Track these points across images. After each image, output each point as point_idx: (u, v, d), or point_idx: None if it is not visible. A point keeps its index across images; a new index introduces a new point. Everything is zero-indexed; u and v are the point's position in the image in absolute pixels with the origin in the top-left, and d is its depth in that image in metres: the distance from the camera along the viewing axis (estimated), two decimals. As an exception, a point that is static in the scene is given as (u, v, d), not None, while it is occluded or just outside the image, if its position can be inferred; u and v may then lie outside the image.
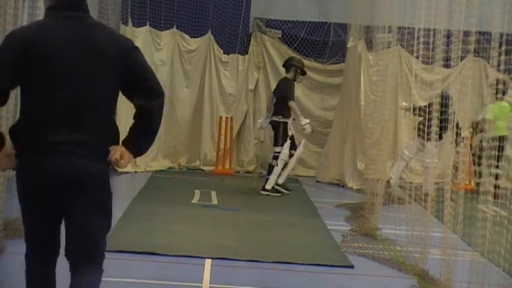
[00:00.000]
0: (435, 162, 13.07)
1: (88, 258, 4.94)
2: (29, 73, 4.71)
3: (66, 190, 4.76)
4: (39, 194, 4.83)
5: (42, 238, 5.08)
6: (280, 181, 13.97)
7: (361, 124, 15.13)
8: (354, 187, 15.20)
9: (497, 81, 14.60)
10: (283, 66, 14.48)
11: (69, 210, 4.87)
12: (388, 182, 12.25)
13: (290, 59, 14.75)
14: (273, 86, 17.49)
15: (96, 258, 4.95)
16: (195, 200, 12.82)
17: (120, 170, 16.78)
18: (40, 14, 9.82)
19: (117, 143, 4.87)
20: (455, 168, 8.49)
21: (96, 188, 4.84)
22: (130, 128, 4.89)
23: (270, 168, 13.97)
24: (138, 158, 16.61)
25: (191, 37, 17.28)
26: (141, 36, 16.70)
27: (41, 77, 4.70)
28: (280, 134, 13.83)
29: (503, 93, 14.83)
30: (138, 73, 4.82)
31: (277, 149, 13.90)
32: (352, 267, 8.58)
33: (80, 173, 4.73)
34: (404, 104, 14.09)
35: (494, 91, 14.88)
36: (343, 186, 15.34)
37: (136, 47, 4.91)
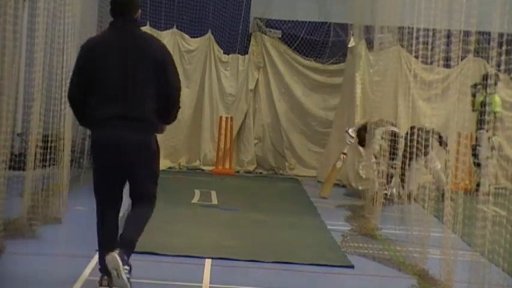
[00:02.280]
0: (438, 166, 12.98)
1: (141, 200, 6.88)
2: (95, 71, 6.70)
3: (123, 153, 6.71)
4: (104, 156, 6.85)
5: (107, 191, 7.01)
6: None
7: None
8: (360, 187, 15.14)
9: (485, 77, 14.52)
10: None
11: (127, 168, 6.80)
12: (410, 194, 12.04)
13: None
14: (273, 86, 17.54)
15: (146, 199, 6.87)
16: (195, 200, 12.82)
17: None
18: (40, 14, 9.82)
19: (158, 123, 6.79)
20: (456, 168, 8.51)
21: (143, 151, 6.72)
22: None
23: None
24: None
25: (191, 37, 17.28)
26: (141, 36, 16.69)
27: (102, 74, 6.69)
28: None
29: (495, 84, 14.79)
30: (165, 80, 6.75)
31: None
32: (352, 267, 8.58)
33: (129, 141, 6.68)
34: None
35: (481, 87, 14.80)
36: (343, 186, 15.32)
37: (170, 54, 6.94)
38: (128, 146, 6.66)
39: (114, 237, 6.90)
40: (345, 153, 14.23)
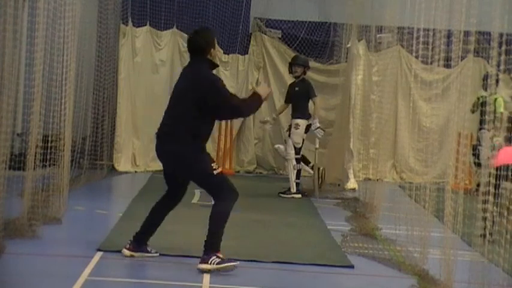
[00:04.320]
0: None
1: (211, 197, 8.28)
2: None
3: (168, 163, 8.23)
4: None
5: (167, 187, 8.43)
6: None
7: (350, 124, 15.11)
8: (349, 187, 15.13)
9: (486, 76, 14.47)
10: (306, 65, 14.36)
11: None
12: None
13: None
14: (273, 86, 17.53)
15: (214, 195, 8.15)
16: (195, 200, 12.81)
17: (120, 170, 16.93)
18: (40, 14, 9.81)
19: (193, 136, 7.99)
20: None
21: (180, 159, 8.06)
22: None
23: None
24: (138, 158, 16.79)
25: (191, 37, 17.26)
26: (141, 36, 16.71)
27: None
28: None
29: (497, 83, 14.77)
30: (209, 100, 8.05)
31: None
32: (352, 267, 8.57)
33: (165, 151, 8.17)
34: None
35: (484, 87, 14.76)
36: (339, 185, 15.32)
37: (212, 83, 8.07)
38: (163, 155, 8.21)
39: (151, 225, 8.60)
40: (317, 148, 14.23)
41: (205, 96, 7.96)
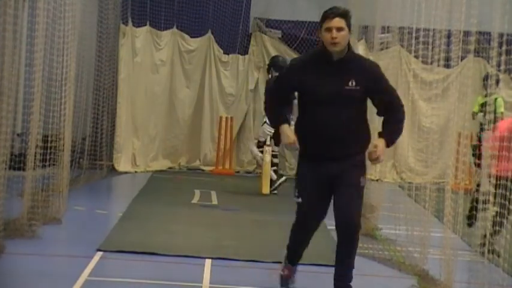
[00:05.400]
0: None
1: None
2: None
3: None
4: None
5: None
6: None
7: None
8: None
9: (487, 77, 14.46)
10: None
11: None
12: None
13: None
14: (273, 86, 17.53)
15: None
16: (195, 200, 12.82)
17: (120, 170, 16.92)
18: (40, 14, 9.81)
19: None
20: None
21: None
22: None
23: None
24: (138, 158, 16.81)
25: (191, 37, 17.29)
26: (141, 36, 16.71)
27: None
28: None
29: (497, 83, 14.74)
30: None
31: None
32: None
33: None
34: None
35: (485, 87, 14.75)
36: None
37: None
38: None
39: None
40: (268, 145, 14.13)
41: None
